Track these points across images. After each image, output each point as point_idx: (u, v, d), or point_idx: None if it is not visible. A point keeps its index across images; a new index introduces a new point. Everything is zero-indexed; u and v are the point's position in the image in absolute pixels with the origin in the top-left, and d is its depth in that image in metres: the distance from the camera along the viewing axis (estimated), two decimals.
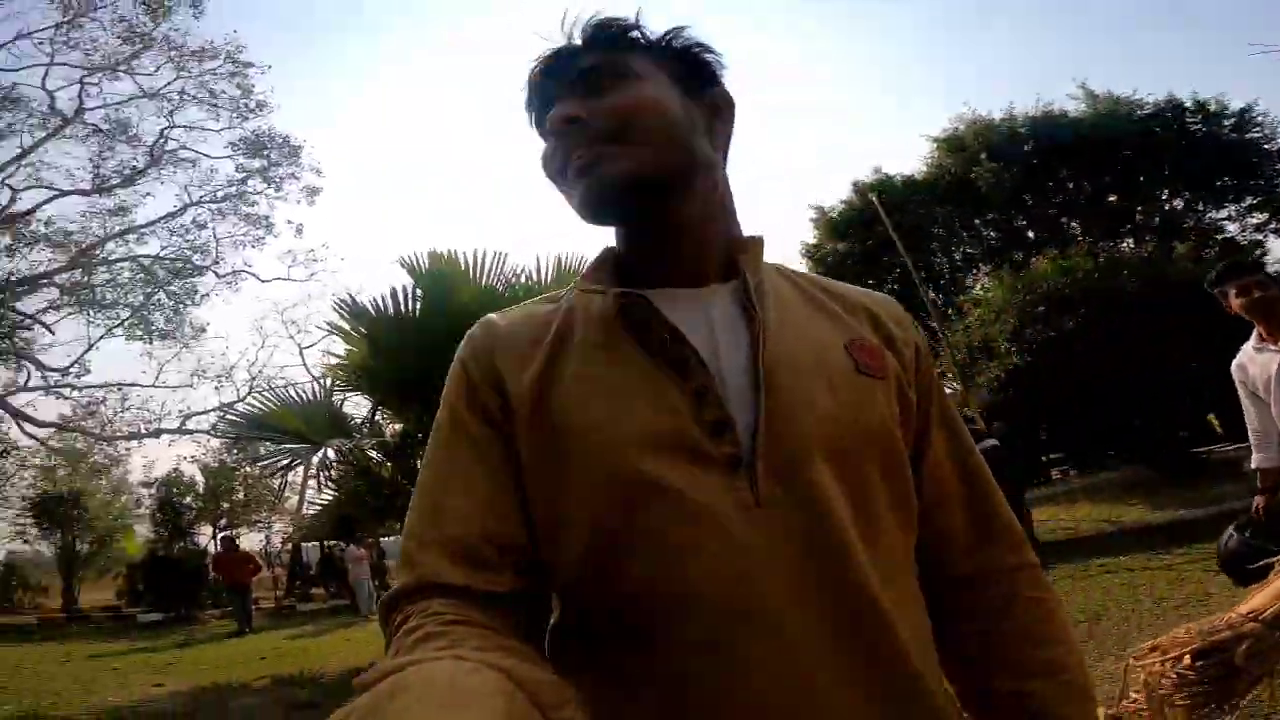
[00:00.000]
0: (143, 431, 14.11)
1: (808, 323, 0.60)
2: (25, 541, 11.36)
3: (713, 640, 0.48)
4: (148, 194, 16.34)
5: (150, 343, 14.15)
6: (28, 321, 12.99)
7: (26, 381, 13.34)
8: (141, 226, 14.23)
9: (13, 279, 12.72)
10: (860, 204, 13.33)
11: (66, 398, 13.39)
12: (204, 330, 15.04)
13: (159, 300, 14.17)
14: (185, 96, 14.12)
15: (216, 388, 15.26)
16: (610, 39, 0.62)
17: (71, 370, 13.54)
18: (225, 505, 15.03)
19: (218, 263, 14.82)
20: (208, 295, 14.78)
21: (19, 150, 12.94)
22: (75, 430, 13.53)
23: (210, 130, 14.57)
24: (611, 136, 0.57)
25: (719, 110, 0.65)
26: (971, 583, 0.62)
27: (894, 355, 0.62)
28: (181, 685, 5.92)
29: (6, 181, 13.08)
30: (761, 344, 0.54)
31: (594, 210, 0.59)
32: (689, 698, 0.49)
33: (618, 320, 0.57)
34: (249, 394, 12.53)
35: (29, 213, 13.02)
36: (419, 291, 5.14)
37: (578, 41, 0.62)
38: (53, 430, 13.37)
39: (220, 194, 14.83)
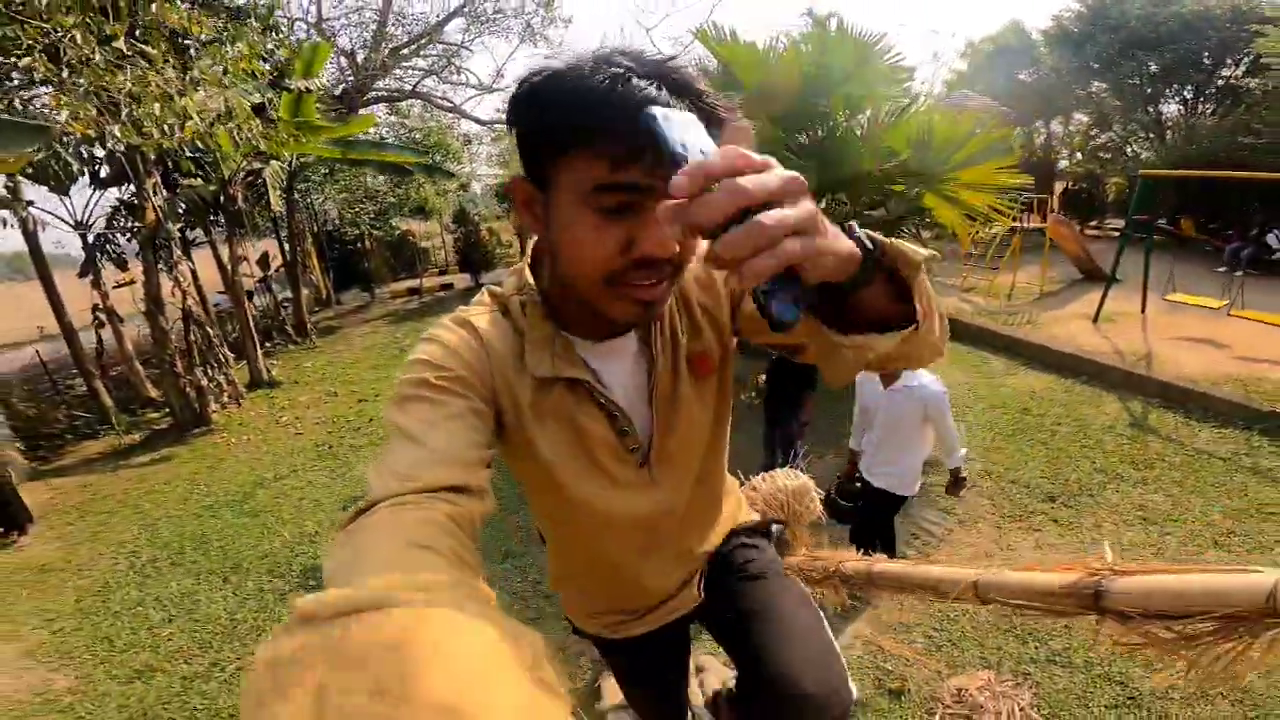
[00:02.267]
0: None
1: (670, 357, 0.88)
2: (498, 218, 15.97)
3: (618, 534, 0.96)
4: None
5: (535, 44, 16.96)
6: (456, 48, 16.69)
7: (465, 80, 17.61)
8: None
9: (437, 18, 16.22)
10: None
11: (493, 93, 17.64)
12: (570, 22, 17.02)
13: (529, 12, 16.47)
14: None
15: None
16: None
17: (496, 81, 17.41)
18: None
19: None
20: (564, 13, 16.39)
21: None
22: (502, 123, 17.79)
23: None
24: (670, 277, 0.71)
25: None
26: None
27: (716, 318, 0.91)
28: None
29: None
30: (654, 393, 0.88)
31: (618, 327, 0.82)
32: (603, 554, 1.00)
33: (579, 389, 0.84)
34: None
35: None
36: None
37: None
38: (489, 125, 17.86)
39: None
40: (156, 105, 4.68)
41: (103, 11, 5.07)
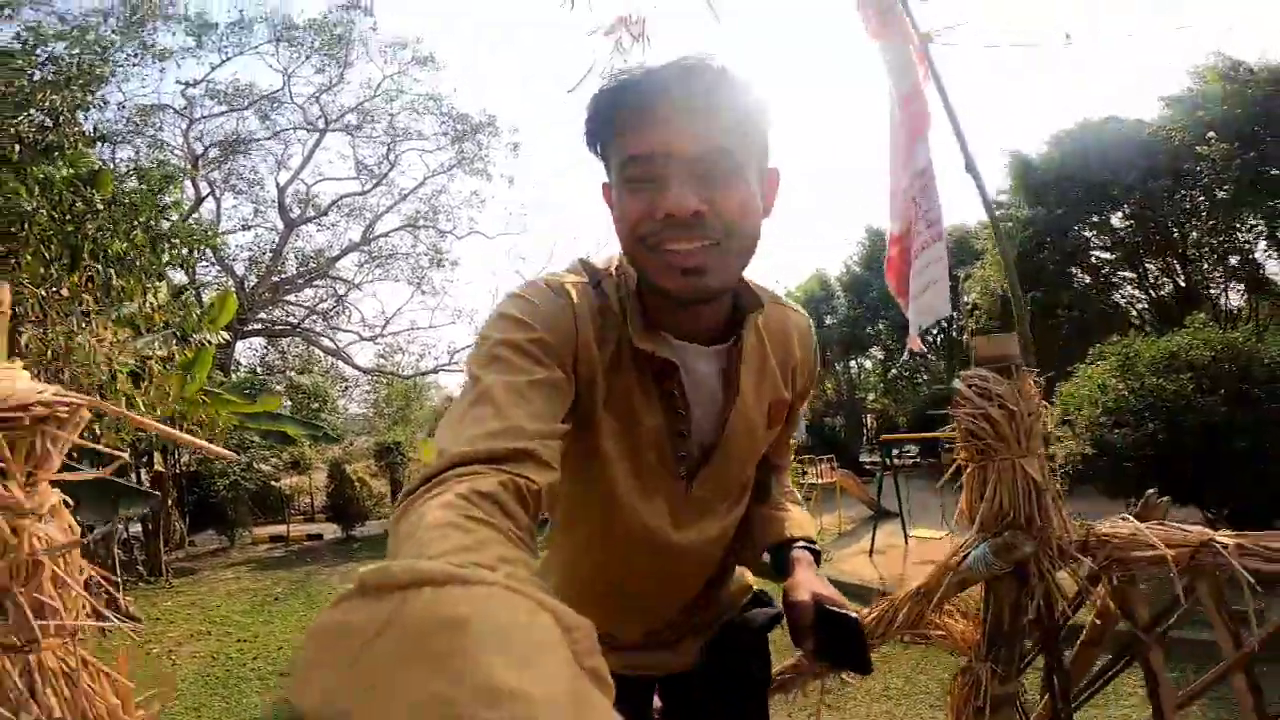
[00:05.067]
0: (428, 369, 19.79)
1: (755, 390, 0.94)
2: (373, 475, 15.60)
3: (638, 547, 0.94)
4: (400, 171, 20.01)
5: (421, 290, 19.29)
6: (349, 285, 18.73)
7: (348, 320, 19.04)
8: (395, 202, 19.21)
9: (326, 252, 18.52)
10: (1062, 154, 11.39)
11: (376, 343, 19.35)
12: (456, 264, 19.84)
13: (421, 253, 19.21)
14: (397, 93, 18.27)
15: (470, 321, 21.51)
16: (736, 114, 0.76)
17: (380, 322, 19.27)
18: None
19: (454, 229, 19.37)
20: (452, 257, 19.34)
21: (303, 158, 18.25)
22: (385, 373, 19.35)
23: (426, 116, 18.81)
24: (717, 240, 0.76)
25: (774, 186, 0.85)
26: (763, 479, 1.10)
27: (794, 384, 1.01)
28: None
29: (301, 177, 18.48)
30: (729, 417, 0.91)
31: (683, 303, 0.82)
32: (614, 567, 1.00)
33: (652, 377, 0.87)
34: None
35: (331, 204, 18.76)
36: None
37: (694, 97, 0.73)
38: (369, 374, 19.37)
39: (446, 166, 19.10)
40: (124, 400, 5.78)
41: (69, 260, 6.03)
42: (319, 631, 0.33)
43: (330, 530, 13.89)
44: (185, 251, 9.77)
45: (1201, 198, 10.31)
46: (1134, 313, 12.20)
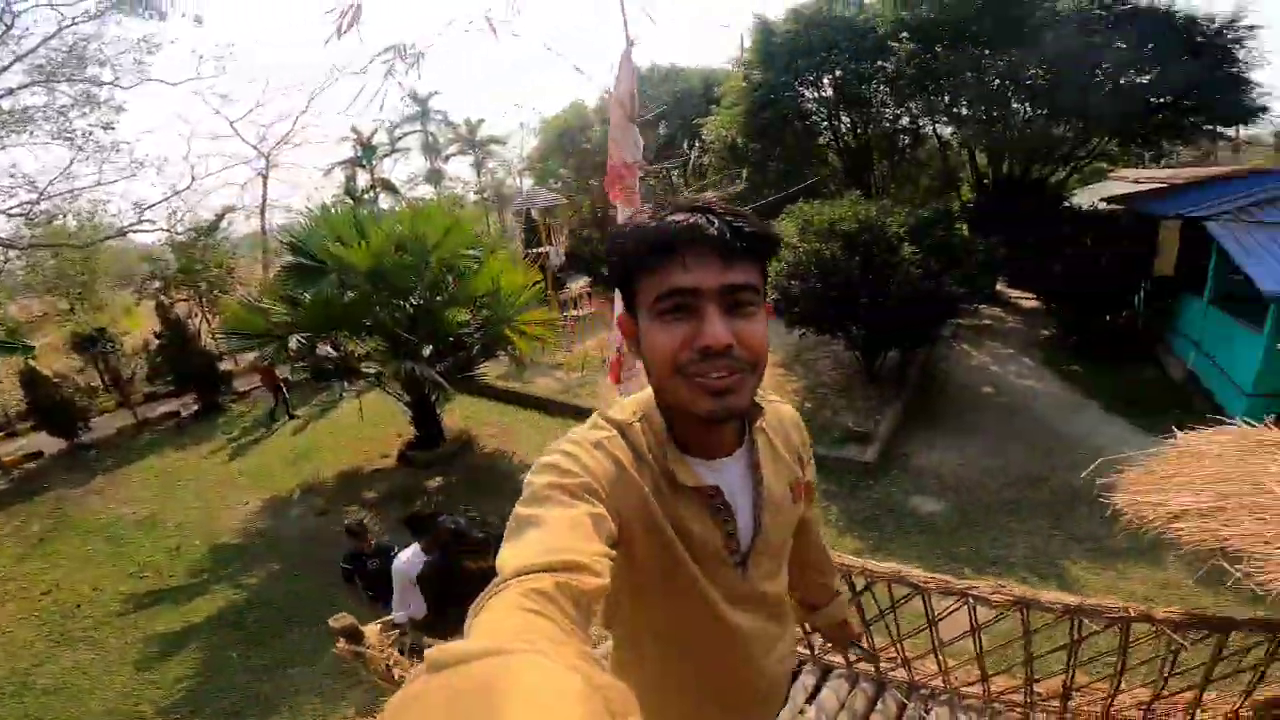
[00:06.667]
0: (112, 233, 16.69)
1: (775, 477, 1.08)
2: (78, 371, 13.66)
3: (716, 639, 1.06)
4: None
5: (80, 149, 15.29)
6: None
7: None
8: (14, 60, 14.34)
9: None
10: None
11: (31, 217, 15.36)
12: (121, 110, 15.87)
13: (67, 107, 15.19)
14: None
15: (158, 170, 18.07)
16: (757, 254, 0.88)
17: (27, 193, 15.11)
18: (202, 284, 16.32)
19: (118, 79, 15.69)
20: (120, 106, 15.78)
21: None
22: (49, 245, 15.63)
23: None
24: (743, 368, 0.87)
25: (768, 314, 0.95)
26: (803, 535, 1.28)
27: (803, 463, 1.16)
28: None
29: None
30: (761, 504, 1.04)
31: (713, 422, 0.92)
32: (706, 679, 1.10)
33: (703, 505, 0.99)
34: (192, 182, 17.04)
35: None
36: None
37: (728, 235, 0.84)
38: (28, 247, 15.52)
39: (92, 14, 14.88)
40: None
41: None
42: (395, 706, 0.39)
43: (50, 444, 12.44)
44: None
45: (893, 70, 12.62)
46: (830, 156, 15.52)
